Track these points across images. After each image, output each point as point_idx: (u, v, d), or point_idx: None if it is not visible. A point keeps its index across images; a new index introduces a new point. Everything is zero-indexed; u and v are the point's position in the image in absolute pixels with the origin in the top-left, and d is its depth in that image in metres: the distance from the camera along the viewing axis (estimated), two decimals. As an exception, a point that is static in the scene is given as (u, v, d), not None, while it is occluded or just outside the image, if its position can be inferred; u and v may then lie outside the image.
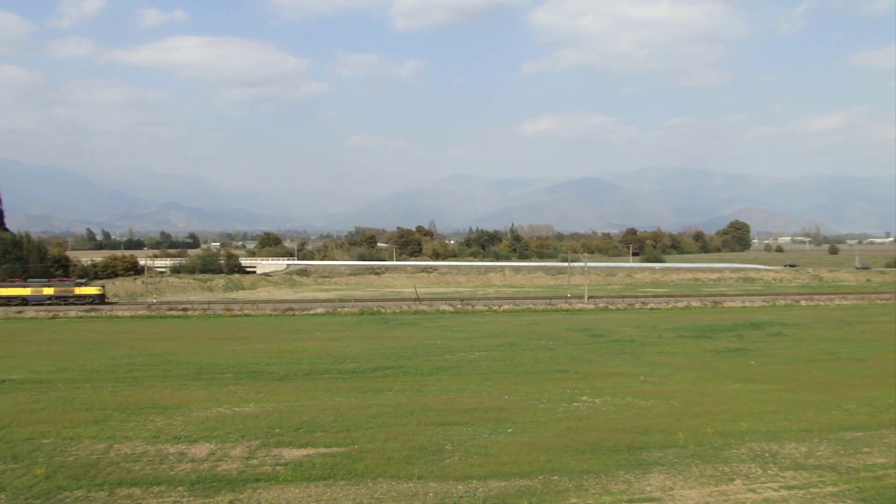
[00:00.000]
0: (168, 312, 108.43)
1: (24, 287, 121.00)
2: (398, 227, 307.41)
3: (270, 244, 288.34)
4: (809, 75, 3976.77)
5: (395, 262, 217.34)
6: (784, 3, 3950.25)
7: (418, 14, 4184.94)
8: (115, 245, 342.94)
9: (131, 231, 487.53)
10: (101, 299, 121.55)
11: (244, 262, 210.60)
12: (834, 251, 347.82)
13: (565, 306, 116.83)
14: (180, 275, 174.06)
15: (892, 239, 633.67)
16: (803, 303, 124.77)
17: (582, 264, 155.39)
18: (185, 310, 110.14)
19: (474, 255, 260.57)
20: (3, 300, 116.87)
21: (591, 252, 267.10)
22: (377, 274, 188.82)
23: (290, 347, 71.56)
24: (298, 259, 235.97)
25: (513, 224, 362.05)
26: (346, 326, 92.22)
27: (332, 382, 52.34)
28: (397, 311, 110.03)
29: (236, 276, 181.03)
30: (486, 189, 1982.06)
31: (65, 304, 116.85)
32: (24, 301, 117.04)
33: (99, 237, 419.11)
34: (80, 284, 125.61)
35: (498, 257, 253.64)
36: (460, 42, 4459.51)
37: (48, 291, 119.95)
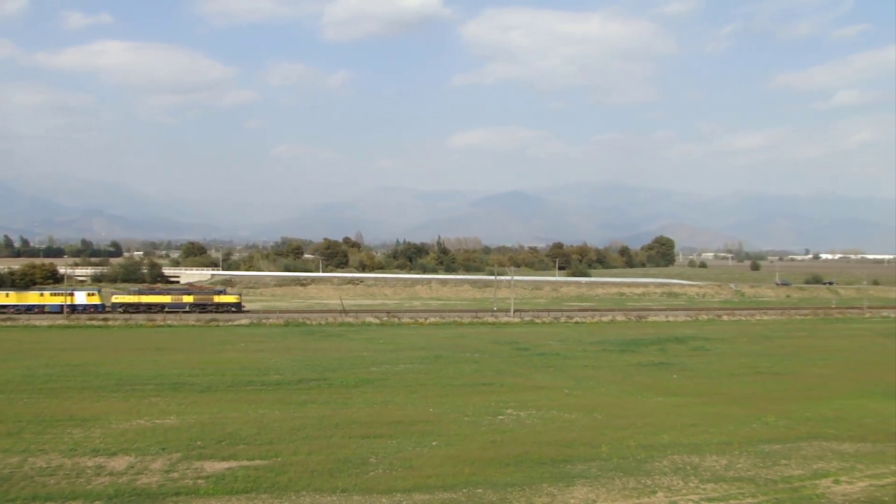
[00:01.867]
0: (88, 322, 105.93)
1: (165, 295, 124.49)
2: (325, 239, 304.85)
3: (195, 254, 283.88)
4: (734, 94, 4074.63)
5: (321, 274, 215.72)
6: (711, 23, 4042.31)
7: (349, 25, 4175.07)
8: (34, 252, 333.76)
9: (51, 238, 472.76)
10: (238, 307, 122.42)
11: (168, 271, 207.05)
12: (755, 267, 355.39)
13: (491, 319, 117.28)
14: (102, 284, 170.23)
15: (811, 256, 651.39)
16: (725, 318, 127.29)
17: (508, 278, 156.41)
18: (105, 319, 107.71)
19: (401, 268, 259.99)
20: (145, 307, 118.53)
21: (518, 265, 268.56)
22: (303, 285, 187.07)
23: (213, 358, 70.49)
24: (223, 269, 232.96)
25: (440, 237, 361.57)
26: (271, 338, 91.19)
27: (255, 394, 51.77)
28: (323, 322, 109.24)
29: (159, 285, 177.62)
30: (415, 201, 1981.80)
31: (203, 312, 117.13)
32: (163, 308, 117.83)
33: (17, 244, 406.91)
34: (218, 293, 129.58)
35: (425, 270, 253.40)
36: (391, 53, 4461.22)
37: (188, 299, 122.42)
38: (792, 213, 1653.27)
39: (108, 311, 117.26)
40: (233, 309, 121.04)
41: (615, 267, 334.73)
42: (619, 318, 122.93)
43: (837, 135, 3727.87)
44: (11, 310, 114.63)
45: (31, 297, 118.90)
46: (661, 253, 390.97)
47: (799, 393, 55.86)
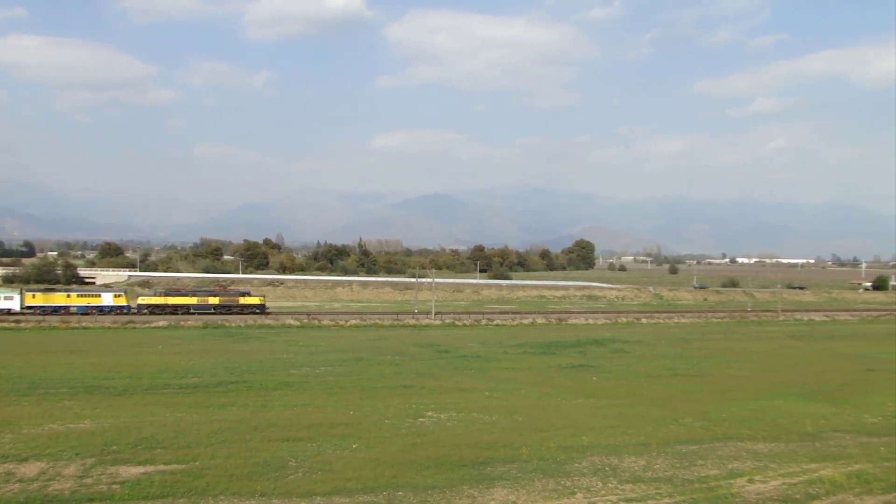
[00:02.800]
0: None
1: (192, 296, 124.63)
2: (245, 240, 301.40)
3: (111, 254, 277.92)
4: (655, 100, 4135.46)
5: (241, 276, 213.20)
6: (633, 29, 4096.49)
7: (272, 24, 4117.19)
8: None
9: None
10: (262, 309, 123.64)
11: (83, 272, 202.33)
12: (674, 271, 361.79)
13: (412, 322, 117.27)
14: (14, 285, 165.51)
15: (728, 260, 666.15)
16: (644, 320, 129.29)
17: (430, 280, 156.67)
18: (17, 322, 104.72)
19: (322, 270, 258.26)
20: (171, 309, 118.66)
21: (439, 268, 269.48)
22: (222, 287, 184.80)
23: (129, 361, 69.12)
24: (141, 270, 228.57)
25: (361, 239, 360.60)
26: (189, 340, 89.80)
27: (173, 397, 50.99)
28: (242, 324, 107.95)
29: (74, 286, 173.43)
30: (337, 203, 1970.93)
31: (228, 314, 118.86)
32: (189, 310, 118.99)
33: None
34: (244, 295, 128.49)
35: (346, 272, 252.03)
36: (314, 54, 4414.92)
37: (213, 301, 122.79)
38: (710, 217, 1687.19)
39: (135, 313, 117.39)
40: (257, 311, 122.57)
41: (536, 270, 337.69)
42: (540, 320, 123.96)
43: (754, 141, 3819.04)
44: (38, 311, 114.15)
45: (58, 299, 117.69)
46: (581, 256, 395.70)
47: (715, 394, 57.14)
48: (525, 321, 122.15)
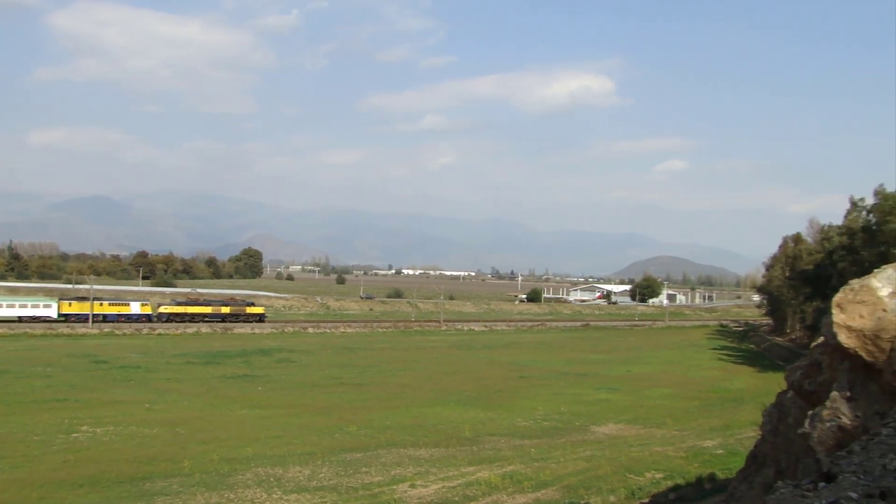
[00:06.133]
0: None
1: (206, 306, 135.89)
2: None
3: None
4: (331, 111, 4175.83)
5: None
6: (310, 40, 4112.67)
7: None
8: None
9: None
10: (261, 318, 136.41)
11: None
12: (341, 281, 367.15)
13: (67, 330, 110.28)
14: None
15: (394, 271, 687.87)
16: (311, 330, 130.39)
17: (87, 286, 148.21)
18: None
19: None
20: (189, 317, 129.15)
21: (99, 274, 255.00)
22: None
23: None
24: None
25: (11, 241, 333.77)
26: None
27: None
28: None
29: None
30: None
31: (235, 322, 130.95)
32: (204, 318, 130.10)
33: None
34: (249, 305, 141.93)
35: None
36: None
37: (225, 310, 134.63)
38: (380, 229, 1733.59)
39: (155, 321, 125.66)
40: (256, 319, 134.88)
41: (202, 278, 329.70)
42: (205, 329, 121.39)
43: (424, 157, 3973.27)
44: (73, 319, 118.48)
45: (95, 307, 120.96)
46: (248, 265, 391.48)
47: (380, 402, 58.78)
48: (189, 330, 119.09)
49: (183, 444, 40.95)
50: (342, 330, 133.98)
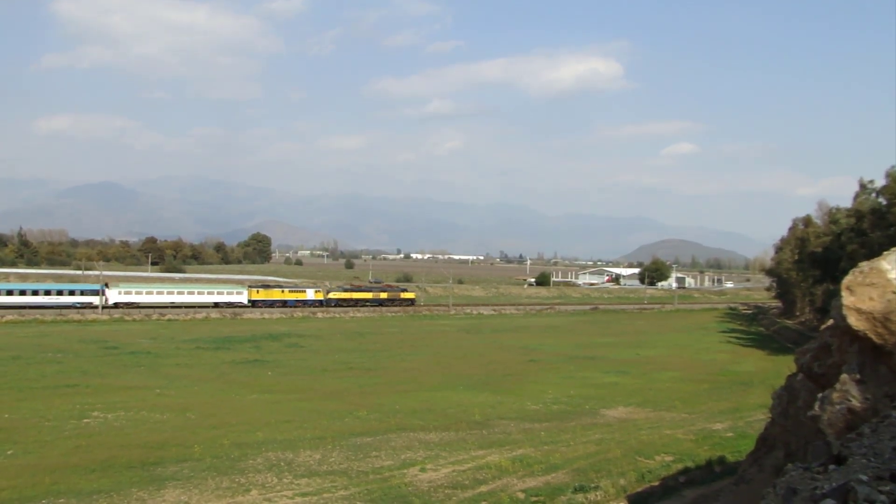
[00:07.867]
0: None
1: (368, 292, 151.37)
2: None
3: None
4: (337, 96, 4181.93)
5: None
6: (317, 25, 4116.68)
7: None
8: None
9: None
10: (412, 302, 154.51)
11: None
12: (350, 266, 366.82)
13: (77, 317, 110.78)
14: None
15: (402, 256, 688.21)
16: (320, 315, 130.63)
17: (97, 273, 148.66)
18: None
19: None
20: (354, 302, 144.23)
21: (108, 260, 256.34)
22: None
23: None
24: None
25: (21, 228, 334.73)
26: None
27: None
28: None
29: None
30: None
31: (392, 306, 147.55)
32: (367, 303, 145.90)
33: None
34: (403, 290, 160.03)
35: (3, 263, 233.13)
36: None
37: (384, 295, 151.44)
38: (386, 214, 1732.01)
39: (326, 305, 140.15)
40: (409, 303, 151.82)
41: (211, 263, 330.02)
42: (214, 315, 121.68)
43: (431, 141, 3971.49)
44: (260, 304, 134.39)
45: (275, 294, 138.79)
46: (257, 250, 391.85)
47: (389, 387, 58.90)
48: (198, 316, 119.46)
49: (193, 429, 41.12)
50: (351, 314, 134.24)
